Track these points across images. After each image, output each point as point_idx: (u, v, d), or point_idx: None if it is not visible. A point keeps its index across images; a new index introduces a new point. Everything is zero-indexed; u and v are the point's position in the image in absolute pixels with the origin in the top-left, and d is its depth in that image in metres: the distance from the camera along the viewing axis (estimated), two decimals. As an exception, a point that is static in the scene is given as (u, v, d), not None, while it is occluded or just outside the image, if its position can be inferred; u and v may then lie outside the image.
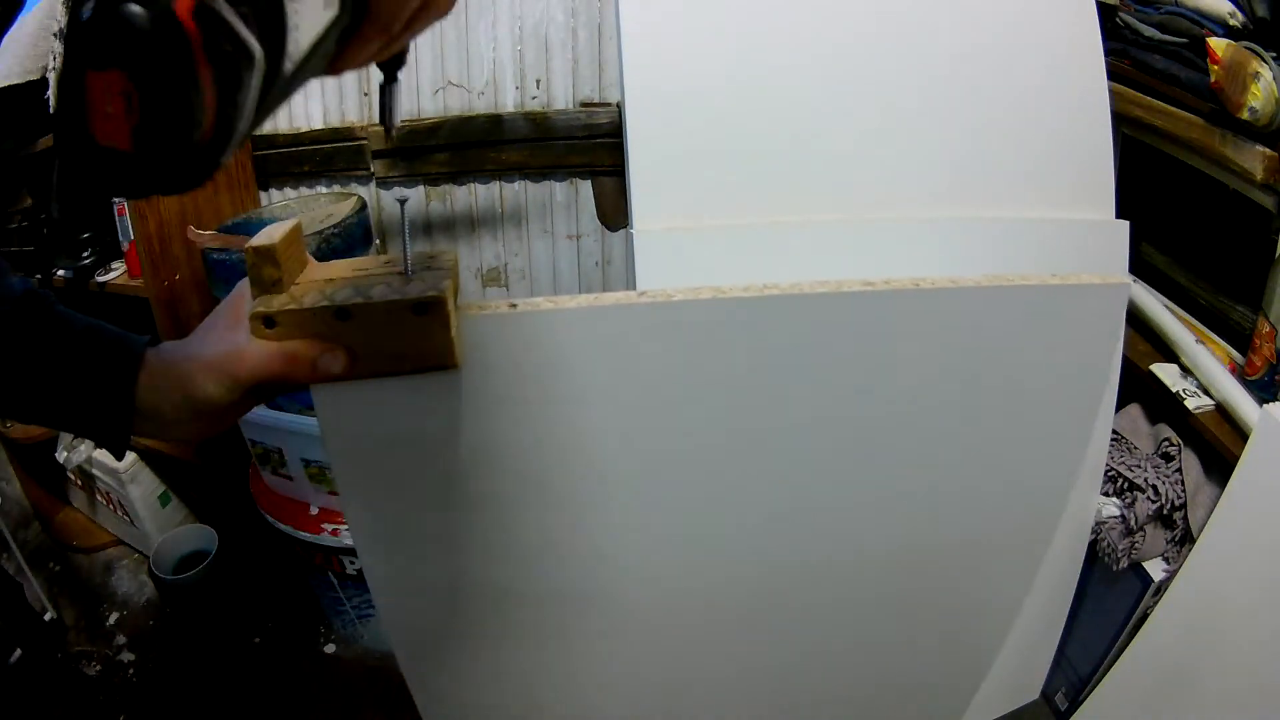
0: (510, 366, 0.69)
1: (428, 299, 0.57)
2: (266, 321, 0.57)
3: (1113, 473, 1.27)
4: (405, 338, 0.59)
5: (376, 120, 1.73)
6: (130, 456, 1.97)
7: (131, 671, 1.81)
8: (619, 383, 0.72)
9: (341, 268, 0.63)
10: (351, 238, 1.52)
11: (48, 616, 1.87)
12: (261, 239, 0.58)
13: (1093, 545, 1.27)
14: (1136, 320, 1.41)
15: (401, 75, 0.58)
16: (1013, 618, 1.06)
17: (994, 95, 1.21)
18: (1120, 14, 1.37)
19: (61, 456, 2.05)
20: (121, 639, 1.89)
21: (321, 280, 0.60)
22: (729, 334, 0.72)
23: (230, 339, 0.58)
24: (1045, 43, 1.21)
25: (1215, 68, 1.11)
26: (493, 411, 0.70)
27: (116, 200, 1.66)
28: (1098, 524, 1.26)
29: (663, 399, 0.74)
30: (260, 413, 1.49)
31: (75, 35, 0.36)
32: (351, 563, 1.61)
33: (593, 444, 0.75)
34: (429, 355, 0.60)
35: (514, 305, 0.66)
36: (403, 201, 0.61)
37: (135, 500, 2.01)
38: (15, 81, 1.59)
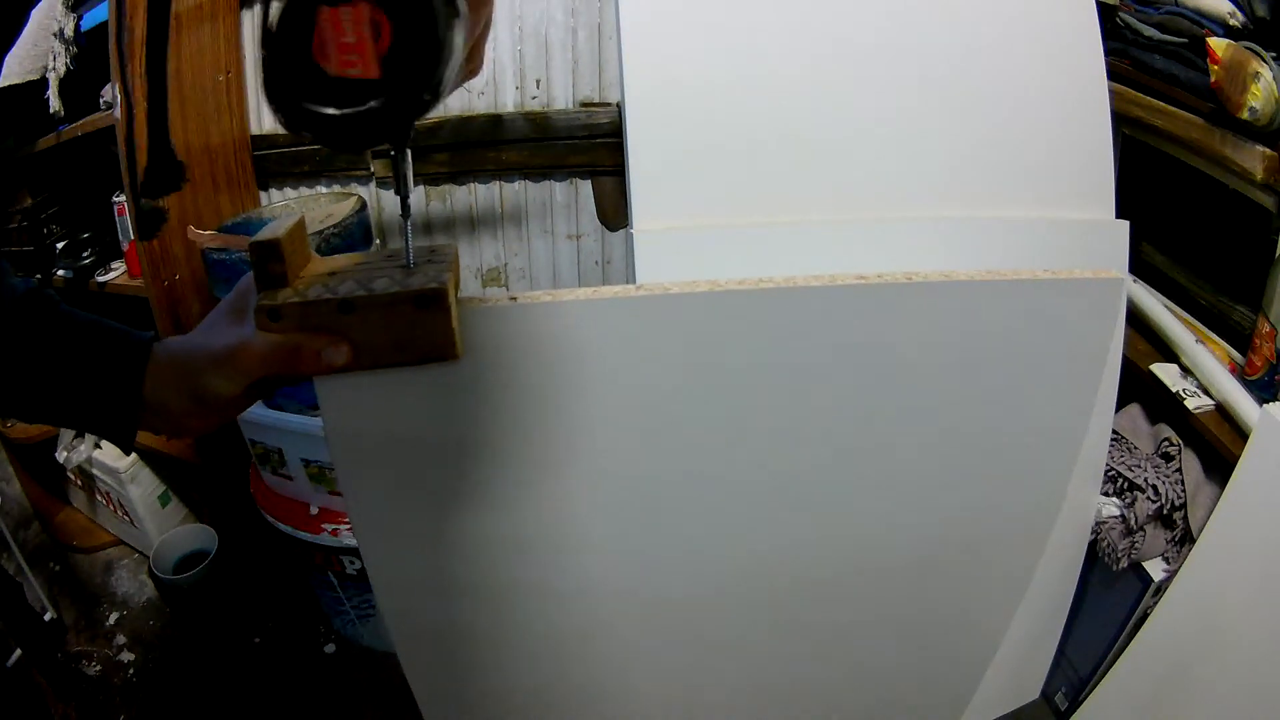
0: (511, 360, 0.69)
1: (429, 291, 0.58)
2: (271, 314, 0.57)
3: (1113, 473, 1.27)
4: (407, 329, 0.60)
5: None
6: (130, 456, 1.97)
7: (131, 671, 1.81)
8: (618, 375, 0.72)
9: (344, 261, 0.64)
10: (351, 237, 1.52)
11: (48, 616, 1.87)
12: (266, 234, 0.59)
13: (1093, 545, 1.27)
14: (1136, 320, 1.41)
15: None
16: (1013, 618, 1.06)
17: (994, 95, 1.21)
18: (1120, 14, 1.37)
19: (61, 456, 2.05)
20: (121, 639, 1.89)
21: (324, 274, 0.61)
22: (725, 327, 0.72)
23: (235, 333, 0.59)
24: (1045, 43, 1.21)
25: (1215, 68, 1.11)
26: (494, 405, 0.70)
27: (117, 200, 1.66)
28: (1098, 524, 1.26)
29: (661, 391, 0.74)
30: (260, 412, 1.49)
31: None
32: (351, 563, 1.61)
33: (593, 437, 0.75)
34: (431, 346, 0.61)
35: (514, 298, 0.67)
36: (404, 196, 0.62)
37: (135, 500, 2.01)
38: (15, 81, 1.59)
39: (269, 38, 0.42)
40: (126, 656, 1.85)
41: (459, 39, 0.44)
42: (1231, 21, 1.14)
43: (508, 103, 1.79)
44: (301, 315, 0.58)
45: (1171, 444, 1.28)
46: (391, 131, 0.45)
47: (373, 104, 0.43)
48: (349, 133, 0.44)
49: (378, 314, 0.58)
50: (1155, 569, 1.24)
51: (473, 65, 0.51)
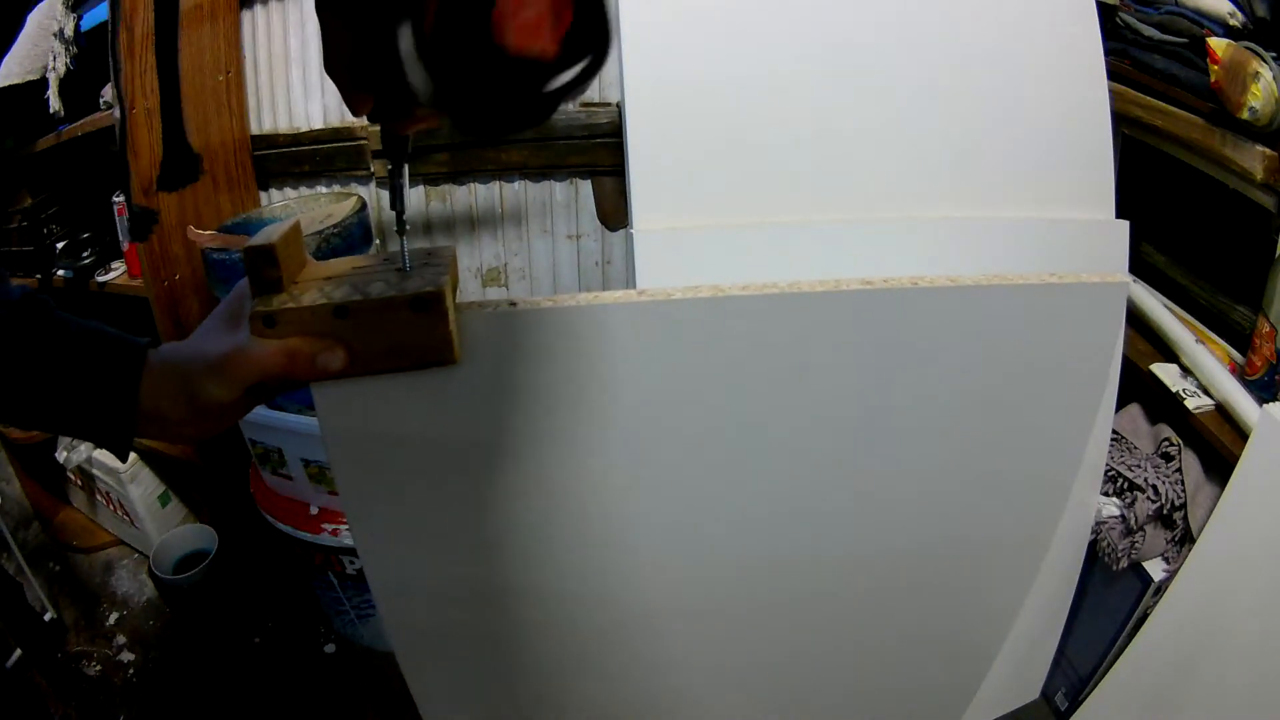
0: (510, 365, 0.69)
1: (425, 294, 0.58)
2: (266, 320, 0.57)
3: (1113, 473, 1.27)
4: (404, 334, 0.59)
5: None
6: (130, 456, 1.97)
7: (131, 671, 1.81)
8: (619, 381, 0.72)
9: (340, 266, 0.63)
10: (351, 238, 1.52)
11: (48, 616, 1.87)
12: (260, 239, 0.58)
13: (1093, 545, 1.27)
14: (1136, 320, 1.41)
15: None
16: (1013, 618, 1.06)
17: (994, 95, 1.21)
18: (1120, 14, 1.37)
19: (61, 456, 2.05)
20: (121, 639, 1.89)
21: (320, 279, 0.61)
22: (728, 332, 0.72)
23: (231, 339, 0.58)
24: (1045, 43, 1.21)
25: (1215, 68, 1.11)
26: (493, 410, 0.70)
27: (117, 200, 1.66)
28: (1098, 524, 1.26)
29: (662, 397, 0.74)
30: (260, 413, 1.49)
31: None
32: (351, 563, 1.61)
33: (592, 443, 0.75)
34: (428, 351, 0.61)
35: (514, 304, 0.66)
36: (399, 212, 0.61)
37: (135, 500, 2.01)
38: (15, 81, 1.59)
39: (445, 6, 0.40)
40: (126, 656, 1.85)
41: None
42: (1231, 21, 1.14)
43: (508, 102, 1.79)
44: (296, 321, 0.57)
45: (1171, 444, 1.28)
46: (541, 116, 0.44)
47: (555, 84, 0.42)
48: (517, 112, 0.43)
49: (373, 318, 0.58)
50: (1155, 569, 1.24)
51: None
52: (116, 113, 1.48)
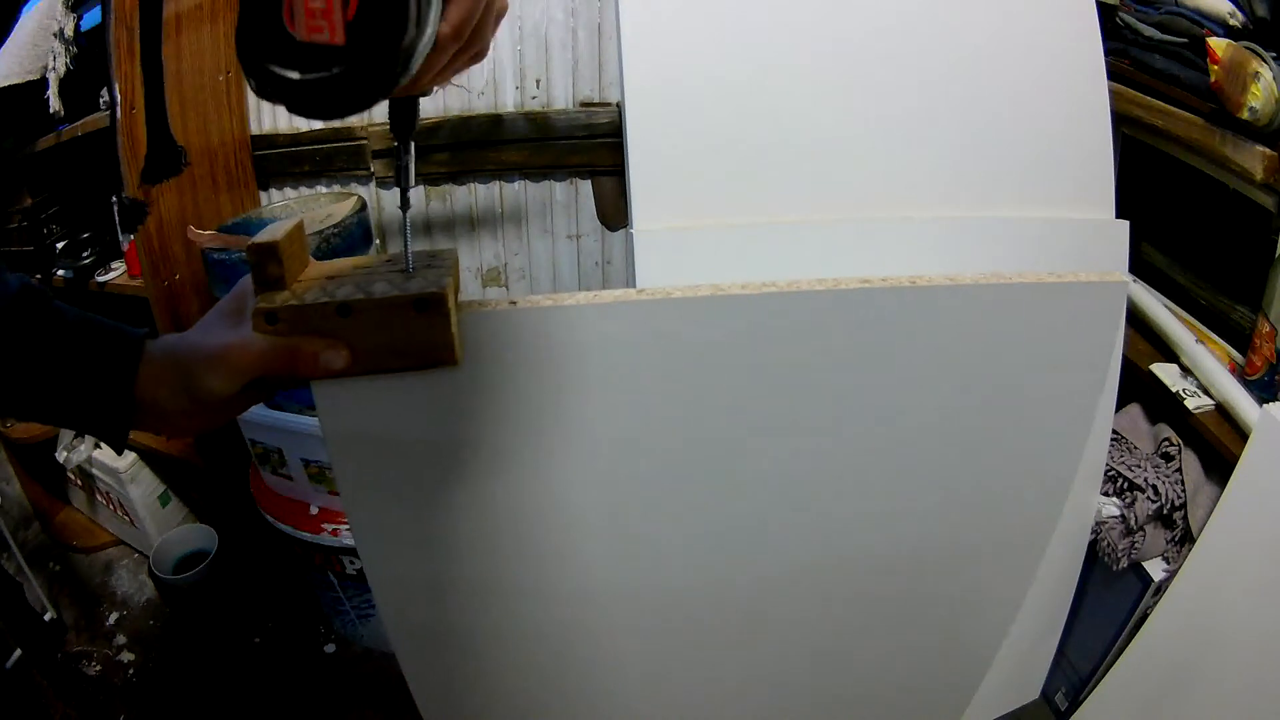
0: (510, 364, 0.69)
1: (428, 295, 0.58)
2: (269, 317, 0.57)
3: (1113, 473, 1.27)
4: (406, 334, 0.59)
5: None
6: (130, 456, 1.97)
7: (131, 671, 1.81)
8: (618, 380, 0.72)
9: (343, 265, 0.64)
10: (351, 238, 1.52)
11: (48, 616, 1.87)
12: (265, 236, 0.58)
13: (1093, 545, 1.27)
14: (1136, 320, 1.41)
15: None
16: (1013, 618, 1.06)
17: (994, 95, 1.21)
18: (1120, 14, 1.37)
19: (61, 456, 2.05)
20: (121, 639, 1.89)
21: (323, 277, 0.61)
22: (728, 331, 0.72)
23: (232, 333, 0.58)
24: (1045, 43, 1.21)
25: (1215, 68, 1.11)
26: (493, 409, 0.70)
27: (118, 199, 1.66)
28: (1098, 524, 1.26)
29: (662, 396, 0.74)
30: (260, 413, 1.49)
31: None
32: (351, 563, 1.61)
33: (592, 441, 0.75)
34: (430, 352, 0.61)
35: (514, 303, 0.67)
36: (404, 189, 0.61)
37: (135, 500, 2.01)
38: (15, 81, 1.59)
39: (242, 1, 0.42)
40: (126, 656, 1.85)
41: (433, 13, 0.44)
42: (1231, 21, 1.14)
43: (508, 103, 1.79)
44: (299, 318, 0.57)
45: (1171, 444, 1.28)
46: (356, 100, 0.44)
47: (335, 70, 0.43)
48: (313, 98, 0.44)
49: (376, 318, 0.58)
50: (1155, 569, 1.24)
51: (476, 49, 0.51)
52: (117, 112, 1.48)
